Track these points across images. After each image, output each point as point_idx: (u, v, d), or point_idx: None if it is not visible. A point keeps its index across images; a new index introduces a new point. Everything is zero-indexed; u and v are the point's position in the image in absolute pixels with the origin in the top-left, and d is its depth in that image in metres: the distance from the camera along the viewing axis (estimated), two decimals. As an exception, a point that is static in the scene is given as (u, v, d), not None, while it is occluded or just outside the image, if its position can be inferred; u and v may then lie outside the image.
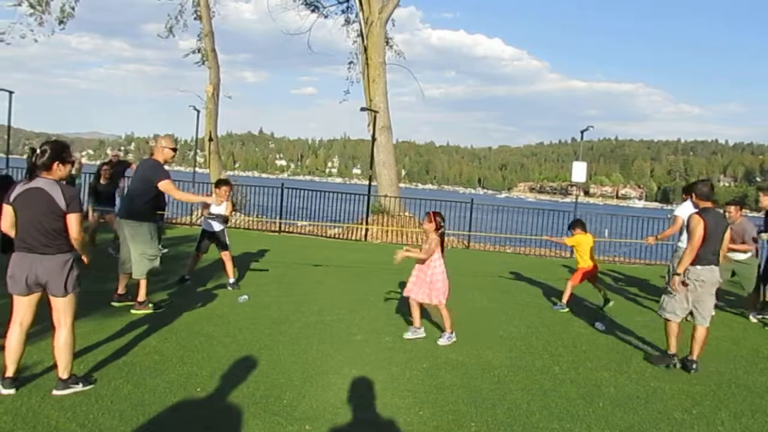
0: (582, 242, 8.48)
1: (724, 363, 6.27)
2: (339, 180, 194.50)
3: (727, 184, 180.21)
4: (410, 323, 6.65)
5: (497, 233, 16.46)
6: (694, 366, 5.84)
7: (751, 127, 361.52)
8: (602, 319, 7.85)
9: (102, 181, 10.62)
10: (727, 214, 8.38)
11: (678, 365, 5.96)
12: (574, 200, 18.65)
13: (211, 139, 21.33)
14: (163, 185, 6.60)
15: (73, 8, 20.42)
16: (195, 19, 22.20)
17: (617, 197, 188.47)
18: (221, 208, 8.31)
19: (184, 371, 4.92)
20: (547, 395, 4.95)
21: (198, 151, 22.10)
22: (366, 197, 17.25)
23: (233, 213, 17.41)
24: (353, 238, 16.57)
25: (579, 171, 16.96)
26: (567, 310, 8.37)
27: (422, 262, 6.39)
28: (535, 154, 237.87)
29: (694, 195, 6.27)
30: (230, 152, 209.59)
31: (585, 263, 8.47)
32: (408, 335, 6.46)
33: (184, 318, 6.61)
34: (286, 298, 8.00)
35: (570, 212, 16.44)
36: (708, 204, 5.99)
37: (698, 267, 5.83)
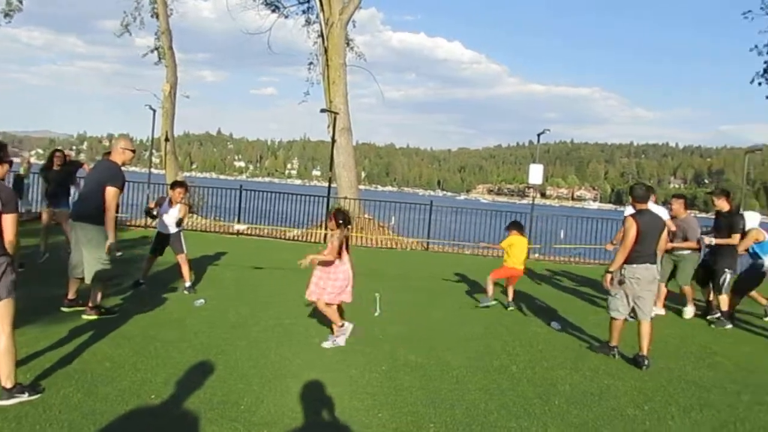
0: (515, 243, 8.49)
1: (673, 360, 6.45)
2: (298, 182, 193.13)
3: (677, 186, 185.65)
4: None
5: (453, 240, 16.59)
6: (646, 362, 6.03)
7: (700, 132, 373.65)
8: (558, 318, 7.99)
9: (55, 168, 10.08)
10: (670, 206, 8.94)
11: (617, 356, 6.33)
12: (530, 202, 18.94)
13: (167, 139, 20.92)
14: (109, 192, 6.29)
15: (21, 1, 19.78)
16: (152, 16, 21.77)
17: (573, 199, 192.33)
18: (174, 211, 8.16)
19: (138, 378, 4.80)
20: (505, 394, 5.01)
21: (154, 151, 21.56)
22: (326, 199, 17.18)
23: (190, 215, 17.16)
24: (313, 240, 16.46)
25: (536, 173, 17.20)
26: (495, 302, 8.51)
27: (329, 264, 6.24)
28: (494, 156, 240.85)
29: (631, 198, 6.53)
30: (187, 153, 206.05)
31: (512, 263, 8.47)
32: (334, 341, 6.19)
33: (139, 323, 6.45)
34: (244, 302, 7.90)
35: (527, 213, 16.69)
36: (644, 206, 6.33)
37: (634, 265, 6.14)
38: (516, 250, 8.45)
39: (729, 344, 7.26)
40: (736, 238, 8.33)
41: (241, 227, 16.33)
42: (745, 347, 7.20)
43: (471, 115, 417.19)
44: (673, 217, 8.81)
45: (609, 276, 6.29)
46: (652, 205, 7.78)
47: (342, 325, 6.33)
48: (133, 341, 5.78)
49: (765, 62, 18.25)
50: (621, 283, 6.18)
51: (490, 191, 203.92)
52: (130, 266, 9.25)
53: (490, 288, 8.51)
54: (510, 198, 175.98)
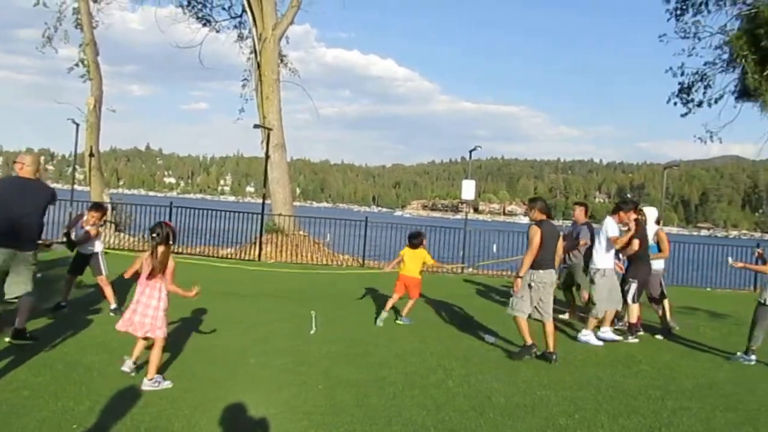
0: (406, 255, 8.58)
1: (602, 368, 6.67)
2: (232, 198, 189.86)
3: (602, 201, 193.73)
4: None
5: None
6: (554, 357, 6.69)
7: (622, 147, 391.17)
8: (491, 331, 8.11)
9: None
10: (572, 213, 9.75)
11: (538, 353, 6.76)
12: (464, 217, 19.28)
13: (92, 155, 20.12)
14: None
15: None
16: (76, 27, 20.97)
17: (504, 214, 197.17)
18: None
19: (59, 407, 4.54)
20: (441, 409, 5.03)
21: (77, 167, 20.74)
22: (260, 216, 16.94)
23: (116, 233, 16.56)
24: (246, 258, 16.18)
25: (468, 189, 17.57)
26: (391, 317, 8.52)
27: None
28: (428, 172, 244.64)
29: (536, 210, 6.94)
30: (114, 169, 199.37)
31: (403, 270, 8.55)
32: (125, 368, 5.36)
33: (60, 348, 6.13)
34: (175, 323, 7.63)
35: (460, 229, 16.98)
36: (544, 217, 6.93)
37: (540, 271, 6.77)
38: (405, 260, 8.57)
39: (652, 352, 7.56)
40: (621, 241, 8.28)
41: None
42: (667, 355, 7.51)
43: (405, 131, 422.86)
44: (573, 223, 9.65)
45: (519, 281, 6.82)
46: (611, 221, 8.04)
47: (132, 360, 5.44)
48: (53, 368, 5.47)
49: (679, 83, 19.27)
50: (530, 287, 6.75)
51: (424, 207, 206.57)
52: (49, 288, 8.81)
53: (389, 303, 8.57)
54: (444, 213, 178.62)
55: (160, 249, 5.28)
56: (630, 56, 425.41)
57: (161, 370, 5.51)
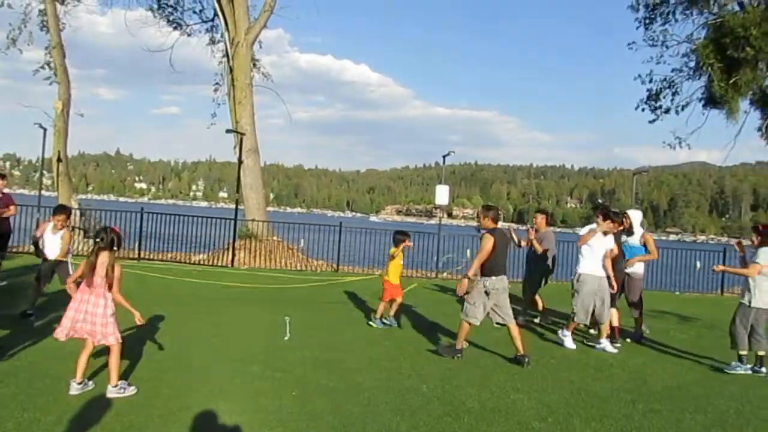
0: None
1: (575, 372, 6.74)
2: (204, 204, 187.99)
3: (574, 206, 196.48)
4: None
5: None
6: (526, 359, 6.82)
7: (593, 153, 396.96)
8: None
9: None
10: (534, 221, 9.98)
11: (461, 357, 7.00)
12: (438, 222, 19.36)
13: (60, 160, 19.75)
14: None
15: None
16: (42, 30, 20.58)
17: (478, 219, 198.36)
18: (57, 238, 7.67)
19: (26, 418, 4.43)
20: (415, 414, 5.03)
21: (45, 172, 20.32)
22: (233, 221, 16.78)
23: (85, 240, 16.24)
24: (219, 264, 16.01)
25: (442, 194, 17.65)
26: (380, 326, 8.60)
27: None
28: (402, 177, 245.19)
29: (489, 219, 7.17)
30: (83, 174, 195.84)
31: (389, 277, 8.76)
32: (74, 391, 5.01)
33: (27, 357, 5.99)
34: (147, 330, 7.50)
35: (434, 234, 17.05)
36: (496, 225, 7.17)
37: (493, 278, 6.96)
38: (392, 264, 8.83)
39: (624, 356, 7.67)
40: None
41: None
42: (638, 358, 7.62)
43: (379, 136, 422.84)
44: (536, 230, 9.81)
45: (466, 281, 6.97)
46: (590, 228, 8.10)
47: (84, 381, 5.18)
48: (20, 377, 5.35)
49: (647, 90, 19.65)
50: (487, 294, 6.92)
51: (399, 212, 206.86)
52: (16, 296, 8.61)
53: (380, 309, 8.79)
54: (418, 218, 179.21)
55: (104, 254, 5.12)
56: (601, 62, 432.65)
57: (125, 376, 5.43)
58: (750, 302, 7.05)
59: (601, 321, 7.97)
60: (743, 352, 7.04)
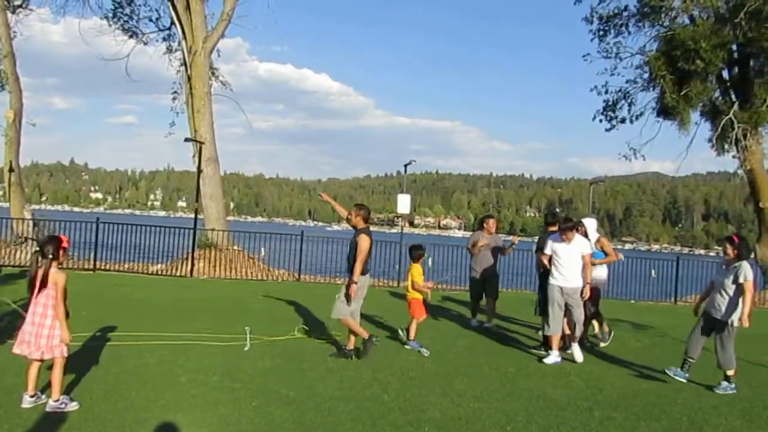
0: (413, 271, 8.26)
1: (533, 380, 6.85)
2: (163, 213, 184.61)
3: (533, 215, 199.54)
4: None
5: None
6: (351, 354, 7.26)
7: (551, 163, 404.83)
8: (426, 344, 8.14)
9: None
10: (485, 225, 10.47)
11: (377, 340, 7.46)
12: (400, 231, 19.45)
13: (11, 170, 19.23)
14: None
15: None
16: (-7, 38, 20.03)
17: (439, 227, 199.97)
18: None
19: (-25, 433, 4.31)
20: (376, 424, 5.05)
21: (-4, 182, 19.79)
22: (192, 231, 16.55)
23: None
24: (178, 274, 15.75)
25: (404, 203, 17.75)
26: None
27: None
28: (363, 186, 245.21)
29: (361, 218, 7.47)
30: (36, 184, 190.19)
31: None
32: (26, 404, 4.92)
33: (-24, 371, 5.80)
34: (102, 342, 7.36)
35: (396, 243, 17.12)
36: (368, 226, 7.47)
37: (367, 275, 7.46)
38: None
39: (580, 364, 7.76)
40: None
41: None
42: (594, 366, 7.76)
43: (340, 145, 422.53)
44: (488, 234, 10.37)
45: (355, 287, 7.17)
46: (580, 239, 8.05)
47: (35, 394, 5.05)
48: (-32, 392, 5.18)
49: (604, 101, 20.18)
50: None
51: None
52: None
53: (413, 330, 8.16)
54: (380, 227, 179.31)
55: (45, 265, 4.93)
56: (560, 73, 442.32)
57: (79, 388, 5.32)
58: (734, 322, 6.72)
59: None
60: (731, 372, 6.80)
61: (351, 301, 7.25)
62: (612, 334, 9.31)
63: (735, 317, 6.73)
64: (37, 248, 5.08)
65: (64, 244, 5.06)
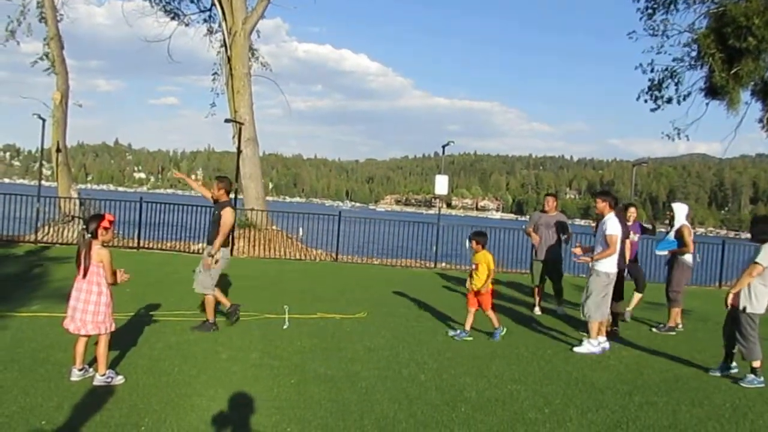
0: (483, 260, 7.65)
1: (571, 363, 6.77)
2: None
3: (572, 197, 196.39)
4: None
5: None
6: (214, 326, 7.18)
7: (592, 144, 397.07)
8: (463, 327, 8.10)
9: None
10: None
11: (217, 329, 7.19)
12: (437, 212, 19.38)
13: (59, 150, 19.75)
14: None
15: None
16: (40, 21, 20.51)
17: (477, 209, 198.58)
18: None
19: (27, 403, 4.48)
20: (413, 403, 5.07)
21: (44, 162, 20.31)
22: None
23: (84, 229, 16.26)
24: (218, 253, 16.03)
25: (441, 184, 17.67)
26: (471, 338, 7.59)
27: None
28: (401, 167, 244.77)
29: (224, 190, 7.41)
30: (82, 164, 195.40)
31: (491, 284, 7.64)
32: (74, 377, 5.09)
33: (28, 345, 6.04)
34: (146, 319, 7.57)
35: (434, 224, 17.08)
36: (230, 199, 7.54)
37: (227, 249, 7.49)
38: (482, 269, 7.60)
39: (619, 347, 7.67)
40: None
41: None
42: (634, 351, 7.63)
43: (378, 126, 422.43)
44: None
45: (210, 259, 7.14)
46: (613, 218, 7.56)
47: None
48: (21, 364, 5.40)
49: (649, 80, 19.56)
50: (216, 262, 7.18)
51: (398, 202, 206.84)
52: (19, 285, 8.66)
53: (494, 319, 7.67)
54: (417, 208, 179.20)
55: (91, 242, 5.08)
56: (601, 52, 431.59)
57: (124, 363, 5.49)
58: (747, 308, 6.35)
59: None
60: (756, 364, 6.36)
61: (211, 273, 7.19)
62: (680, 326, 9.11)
63: (747, 303, 6.33)
64: (83, 226, 5.23)
65: (104, 223, 5.13)
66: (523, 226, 10.14)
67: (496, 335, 7.63)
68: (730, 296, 6.42)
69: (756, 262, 6.25)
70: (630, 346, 7.82)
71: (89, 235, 5.06)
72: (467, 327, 7.69)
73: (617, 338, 8.08)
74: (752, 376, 6.33)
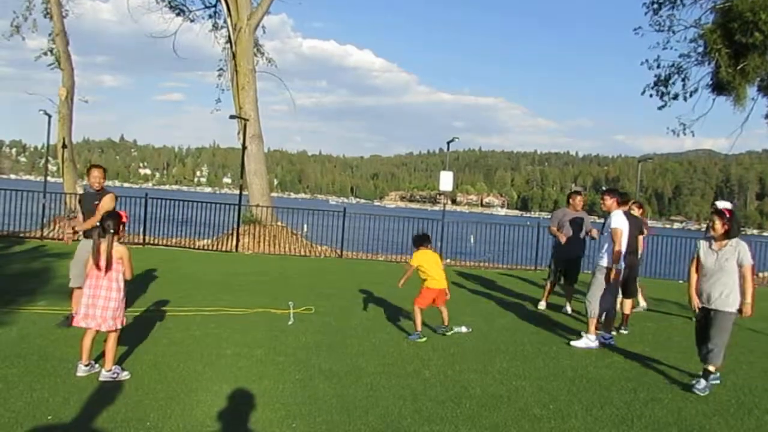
0: (429, 259, 7.44)
1: (576, 359, 6.76)
2: (208, 189, 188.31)
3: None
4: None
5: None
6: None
7: (597, 140, 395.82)
8: (467, 322, 8.13)
9: None
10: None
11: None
12: (442, 208, 19.38)
13: (64, 146, 19.83)
14: None
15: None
16: (45, 17, 20.57)
17: (482, 205, 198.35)
18: None
19: (33, 398, 4.51)
20: (418, 399, 5.08)
21: (50, 158, 20.41)
22: (237, 207, 16.83)
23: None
24: (224, 249, 16.09)
25: (446, 180, 17.65)
26: (425, 338, 7.23)
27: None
28: (405, 163, 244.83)
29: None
30: (87, 160, 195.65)
31: (434, 283, 7.35)
32: (80, 372, 5.12)
33: (34, 341, 6.06)
34: (151, 315, 7.59)
35: (438, 220, 17.07)
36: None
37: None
38: (433, 267, 7.39)
39: (624, 344, 7.65)
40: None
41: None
42: (639, 346, 7.62)
43: (382, 122, 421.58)
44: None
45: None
46: (619, 213, 7.55)
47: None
48: (28, 359, 5.42)
49: (655, 76, 19.49)
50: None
51: (402, 198, 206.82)
52: (24, 280, 8.69)
53: (418, 320, 7.27)
54: (422, 204, 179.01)
55: (110, 240, 5.15)
56: (606, 48, 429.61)
57: (130, 359, 5.51)
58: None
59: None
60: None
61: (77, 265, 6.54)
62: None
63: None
64: (98, 224, 5.30)
65: (124, 220, 5.30)
66: (550, 226, 9.78)
67: (414, 336, 7.24)
68: (749, 308, 5.85)
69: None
70: (634, 342, 7.81)
71: (111, 232, 5.14)
72: (445, 322, 7.56)
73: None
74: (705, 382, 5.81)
